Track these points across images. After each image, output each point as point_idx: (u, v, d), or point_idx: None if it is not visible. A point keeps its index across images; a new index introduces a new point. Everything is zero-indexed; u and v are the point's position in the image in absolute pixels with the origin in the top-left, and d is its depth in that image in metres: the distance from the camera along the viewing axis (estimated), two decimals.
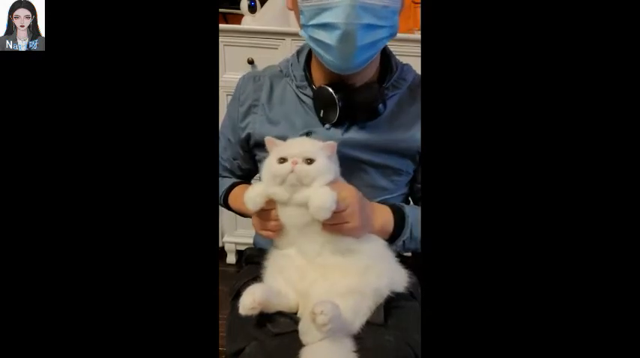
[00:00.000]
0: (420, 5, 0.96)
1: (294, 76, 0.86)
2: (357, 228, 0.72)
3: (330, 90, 0.78)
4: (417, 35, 1.55)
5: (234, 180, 0.96)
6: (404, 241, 0.80)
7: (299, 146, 0.73)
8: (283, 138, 0.80)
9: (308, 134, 0.82)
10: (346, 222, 0.71)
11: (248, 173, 0.98)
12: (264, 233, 0.76)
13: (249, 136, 0.88)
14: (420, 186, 0.89)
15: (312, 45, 0.76)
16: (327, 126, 0.83)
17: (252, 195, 0.72)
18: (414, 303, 0.77)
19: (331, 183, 0.72)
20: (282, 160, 0.71)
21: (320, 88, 0.81)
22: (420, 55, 0.54)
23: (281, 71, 0.89)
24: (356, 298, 0.69)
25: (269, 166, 0.73)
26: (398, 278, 0.76)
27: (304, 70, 0.85)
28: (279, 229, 0.74)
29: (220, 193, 0.95)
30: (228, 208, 0.95)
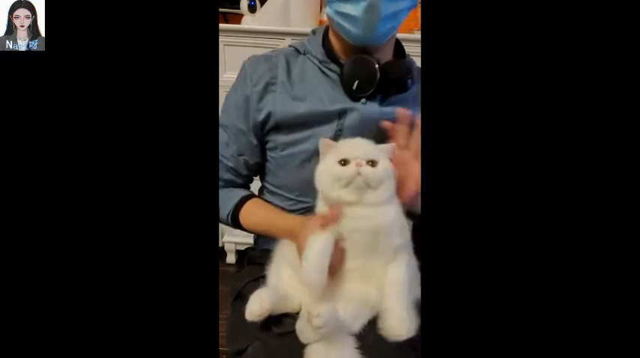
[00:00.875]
0: (420, 5, 0.96)
1: (316, 52, 0.84)
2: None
3: (371, 59, 0.78)
4: (417, 35, 1.55)
5: (239, 193, 0.89)
6: None
7: (360, 147, 0.71)
8: (311, 115, 0.80)
9: (341, 114, 0.81)
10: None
11: (254, 171, 0.92)
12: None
13: (268, 117, 0.83)
14: None
15: (337, 19, 0.76)
16: (363, 100, 0.81)
17: (317, 252, 0.67)
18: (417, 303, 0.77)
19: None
20: (344, 162, 0.69)
21: (357, 57, 0.79)
22: (420, 55, 0.55)
23: (296, 50, 0.87)
24: (358, 305, 0.69)
25: (329, 169, 0.70)
26: (410, 290, 0.74)
27: (324, 47, 0.85)
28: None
29: (226, 209, 0.87)
30: (237, 226, 0.88)
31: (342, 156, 0.69)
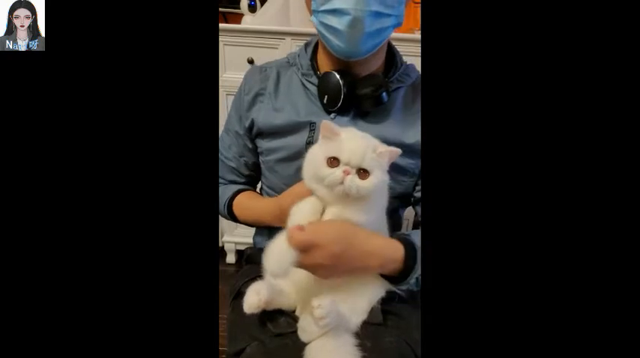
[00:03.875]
0: (420, 5, 0.96)
1: (301, 65, 0.87)
2: (324, 267, 0.65)
3: (336, 74, 0.79)
4: (417, 35, 1.55)
5: (237, 187, 0.94)
6: (417, 278, 0.71)
7: (359, 150, 0.63)
8: (286, 125, 0.82)
9: (312, 126, 0.82)
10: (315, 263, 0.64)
11: (255, 171, 0.96)
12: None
13: (252, 125, 0.87)
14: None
15: (322, 30, 0.77)
16: (332, 115, 0.83)
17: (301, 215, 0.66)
18: (414, 303, 0.77)
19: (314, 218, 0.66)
20: (333, 161, 0.64)
21: (325, 73, 0.82)
22: (420, 54, 0.55)
23: (288, 62, 0.90)
24: (355, 299, 0.69)
25: (316, 162, 0.65)
26: None
27: (311, 60, 0.87)
28: None
29: (223, 201, 0.93)
30: (232, 217, 0.93)
31: (334, 154, 0.64)
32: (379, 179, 0.65)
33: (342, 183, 0.63)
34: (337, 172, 0.63)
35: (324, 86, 0.82)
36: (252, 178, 0.97)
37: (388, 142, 0.79)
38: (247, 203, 0.91)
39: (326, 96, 0.81)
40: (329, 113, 0.84)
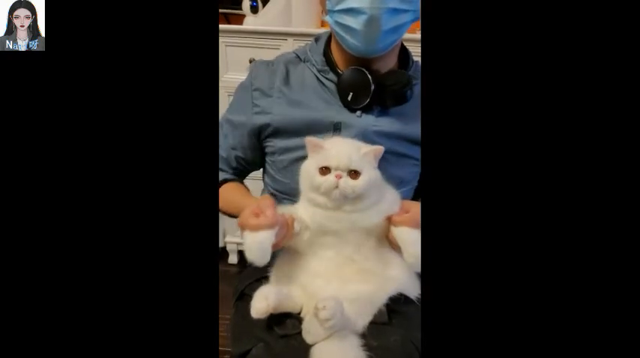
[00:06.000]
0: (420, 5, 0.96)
1: (316, 61, 0.85)
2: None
3: (365, 71, 0.78)
4: (417, 35, 1.55)
5: (223, 175, 0.91)
6: None
7: (345, 154, 0.68)
8: (305, 124, 0.80)
9: (336, 126, 0.80)
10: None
11: (244, 168, 0.93)
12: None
13: (266, 122, 0.84)
14: None
15: (337, 29, 0.76)
16: (358, 113, 0.81)
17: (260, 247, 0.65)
18: (418, 304, 0.77)
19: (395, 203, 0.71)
20: (325, 170, 0.68)
21: (352, 69, 0.79)
22: (420, 55, 0.54)
23: (298, 57, 0.88)
24: (363, 303, 0.69)
25: (310, 176, 0.69)
26: (409, 289, 0.74)
27: (324, 55, 0.85)
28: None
29: None
30: None
31: (324, 164, 0.68)
32: (370, 176, 0.69)
33: (337, 186, 0.67)
34: (330, 178, 0.67)
35: (348, 83, 0.79)
36: (238, 173, 0.94)
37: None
38: (226, 195, 0.87)
39: (351, 94, 0.79)
40: (352, 110, 0.81)
